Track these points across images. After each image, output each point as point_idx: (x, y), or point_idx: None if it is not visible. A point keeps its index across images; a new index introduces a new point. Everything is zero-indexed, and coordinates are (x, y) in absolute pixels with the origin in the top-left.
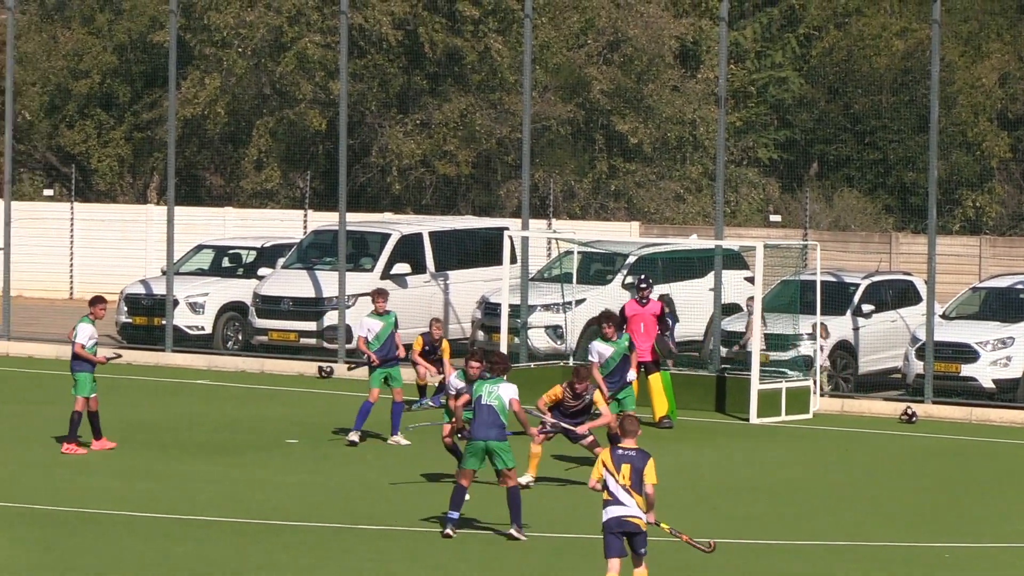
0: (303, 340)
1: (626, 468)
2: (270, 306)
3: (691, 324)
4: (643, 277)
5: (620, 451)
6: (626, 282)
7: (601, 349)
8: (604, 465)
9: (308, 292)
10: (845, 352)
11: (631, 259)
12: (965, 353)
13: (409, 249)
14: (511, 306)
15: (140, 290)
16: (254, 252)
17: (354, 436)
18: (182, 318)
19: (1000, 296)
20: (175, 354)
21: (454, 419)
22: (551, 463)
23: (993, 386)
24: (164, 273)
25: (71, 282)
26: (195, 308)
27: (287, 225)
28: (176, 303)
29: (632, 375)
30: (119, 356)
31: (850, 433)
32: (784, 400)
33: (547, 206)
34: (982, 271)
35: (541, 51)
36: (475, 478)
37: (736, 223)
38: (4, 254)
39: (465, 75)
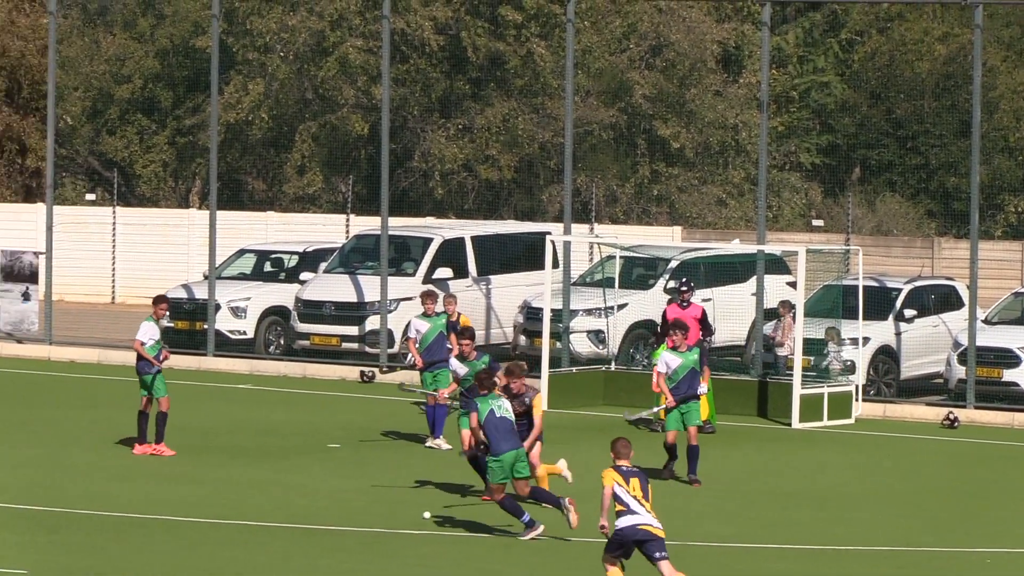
0: (345, 344)
1: (635, 481)
2: (312, 310)
3: (733, 329)
4: (684, 280)
5: (624, 468)
6: (668, 287)
7: (669, 359)
8: (615, 480)
9: (350, 296)
10: (887, 357)
11: (673, 264)
12: (1007, 358)
13: (451, 253)
14: (553, 310)
15: (182, 294)
16: (296, 256)
17: (438, 442)
18: (224, 322)
19: None
20: (217, 358)
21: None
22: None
23: None
24: (206, 277)
25: (113, 287)
26: (237, 312)
27: (329, 229)
28: (218, 307)
29: (703, 388)
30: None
31: (892, 438)
32: (826, 405)
33: (589, 211)
34: None
35: (584, 56)
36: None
37: (778, 228)
38: (46, 259)
39: (507, 79)
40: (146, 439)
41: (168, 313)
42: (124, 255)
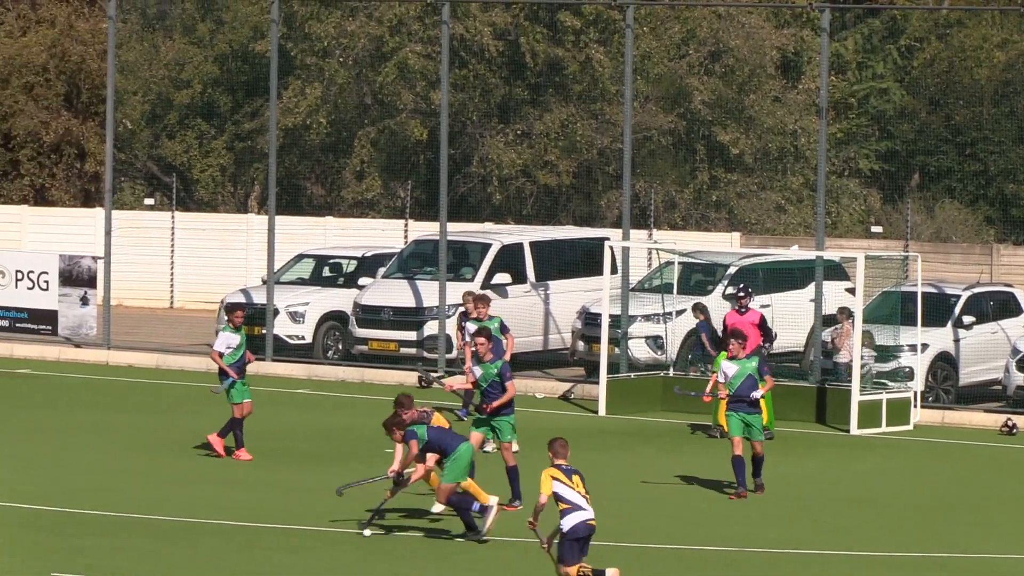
0: (403, 350)
1: (576, 478)
2: (370, 316)
3: (792, 335)
4: (742, 286)
5: (564, 466)
6: (727, 293)
7: (726, 367)
8: (556, 479)
9: (408, 302)
10: (946, 364)
11: (732, 270)
12: None
13: (510, 259)
14: (611, 316)
15: (240, 299)
16: (354, 262)
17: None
18: (282, 327)
19: None
20: (275, 363)
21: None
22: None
23: None
24: (264, 282)
25: (171, 291)
26: (295, 317)
27: (388, 235)
28: (276, 312)
29: (757, 393)
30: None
31: (950, 445)
32: (885, 411)
33: (648, 216)
34: None
35: (642, 61)
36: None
37: (837, 234)
38: (104, 263)
39: (566, 85)
40: (242, 444)
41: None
42: (182, 260)
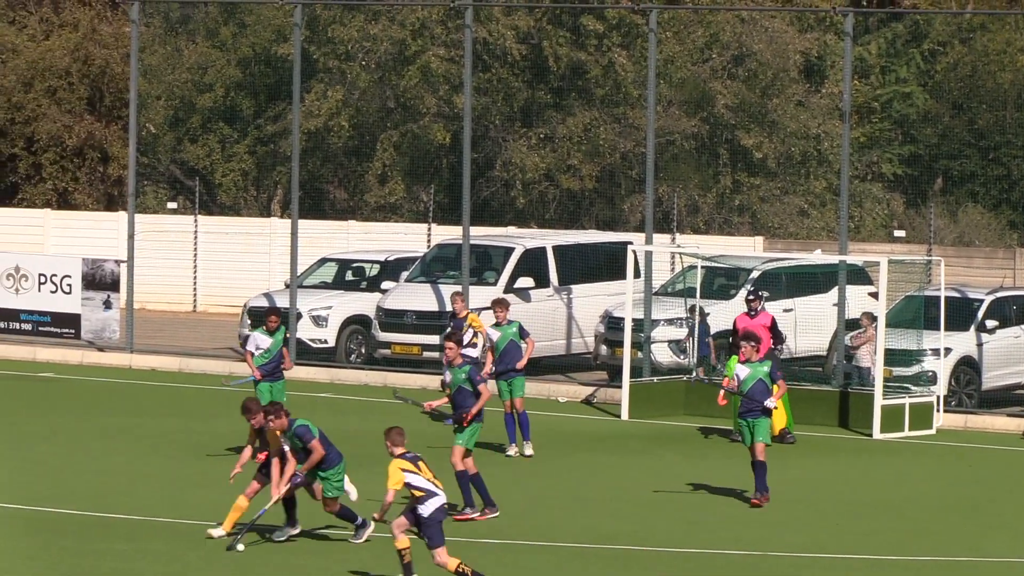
0: (426, 354)
1: (422, 464)
2: (393, 319)
3: (815, 339)
4: (752, 289)
5: (408, 455)
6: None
7: (739, 371)
8: (404, 470)
9: (431, 306)
10: (969, 368)
11: (755, 274)
12: None
13: (533, 263)
14: (634, 320)
15: (263, 303)
16: (377, 265)
17: (519, 450)
18: (306, 331)
19: None
20: (298, 367)
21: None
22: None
23: None
24: (287, 286)
25: (194, 295)
26: (319, 321)
27: (411, 238)
28: (300, 316)
29: (771, 403)
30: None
31: (973, 449)
32: (907, 416)
33: (671, 220)
34: None
35: (665, 65)
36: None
37: (860, 238)
38: (128, 267)
39: (589, 89)
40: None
41: (279, 324)
42: (205, 264)
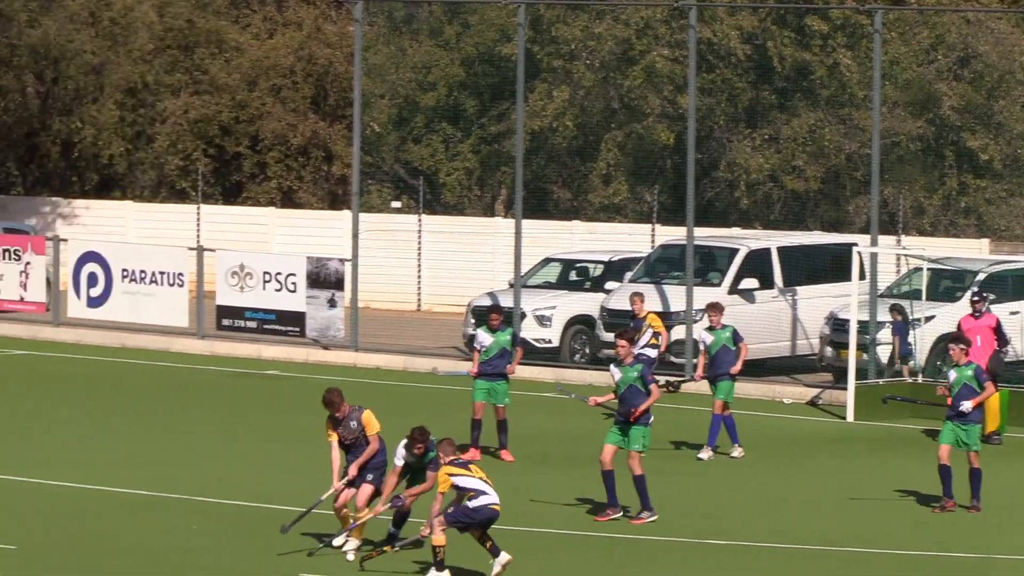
0: None
1: (473, 466)
2: (617, 320)
3: None
4: (976, 290)
5: (457, 460)
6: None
7: (949, 374)
8: (451, 475)
9: (655, 306)
10: None
11: (981, 276)
12: None
13: (757, 264)
14: (860, 322)
15: (488, 303)
16: (601, 266)
17: (704, 454)
18: (529, 331)
19: None
20: (522, 366)
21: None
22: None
23: None
24: (511, 286)
25: (419, 294)
26: (542, 321)
27: (635, 239)
28: (524, 316)
29: (966, 405)
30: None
31: None
32: None
33: (896, 222)
34: None
35: (890, 66)
36: None
37: None
38: (352, 266)
39: (814, 90)
40: (476, 445)
41: (501, 323)
42: (429, 263)
